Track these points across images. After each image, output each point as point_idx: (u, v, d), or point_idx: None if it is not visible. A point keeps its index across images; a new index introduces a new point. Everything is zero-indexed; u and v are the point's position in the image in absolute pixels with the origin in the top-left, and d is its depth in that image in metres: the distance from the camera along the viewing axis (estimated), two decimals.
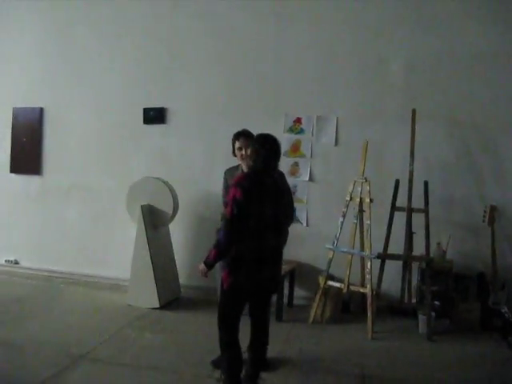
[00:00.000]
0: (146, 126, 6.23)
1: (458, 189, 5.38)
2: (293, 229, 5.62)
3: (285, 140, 5.80)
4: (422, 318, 5.03)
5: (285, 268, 4.85)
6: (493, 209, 5.33)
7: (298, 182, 5.81)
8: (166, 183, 5.63)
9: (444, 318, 5.10)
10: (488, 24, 5.30)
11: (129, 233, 5.88)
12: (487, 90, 5.35)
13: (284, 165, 5.71)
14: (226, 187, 4.13)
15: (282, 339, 4.68)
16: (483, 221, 5.33)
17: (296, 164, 5.83)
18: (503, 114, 5.32)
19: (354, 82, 5.67)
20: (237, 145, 4.06)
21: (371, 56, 5.63)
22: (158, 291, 5.45)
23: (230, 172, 4.24)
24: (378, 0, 5.61)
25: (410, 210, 5.14)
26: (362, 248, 5.32)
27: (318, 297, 5.25)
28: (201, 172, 6.08)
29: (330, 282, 5.24)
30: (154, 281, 5.46)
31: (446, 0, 5.42)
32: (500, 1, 5.27)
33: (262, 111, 5.87)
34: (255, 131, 5.76)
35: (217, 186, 5.93)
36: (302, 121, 5.80)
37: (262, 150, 3.55)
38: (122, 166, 6.36)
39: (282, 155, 5.63)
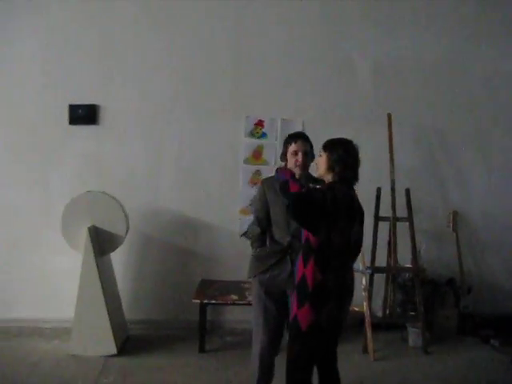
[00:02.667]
0: (72, 127, 4.99)
1: (423, 195, 5.29)
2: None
3: (245, 145, 5.18)
4: (413, 330, 4.83)
5: None
6: (455, 214, 5.41)
7: None
8: (115, 199, 4.56)
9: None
10: (454, 30, 5.32)
11: (60, 262, 4.73)
12: (451, 97, 5.37)
13: (244, 173, 5.13)
14: (264, 202, 3.43)
15: None
16: (447, 226, 5.40)
17: (258, 172, 5.17)
18: (465, 121, 5.38)
19: (321, 83, 5.24)
20: (292, 148, 3.37)
21: (339, 58, 5.27)
22: (113, 333, 4.37)
23: (268, 183, 3.48)
24: (346, 0, 5.25)
25: (394, 220, 4.91)
26: None
27: None
28: (144, 183, 5.09)
29: None
30: (107, 320, 4.36)
31: (413, 4, 5.29)
32: (466, 7, 5.34)
33: (219, 112, 5.13)
34: (211, 135, 5.14)
35: (165, 198, 5.19)
36: (265, 124, 5.18)
37: (349, 158, 2.95)
38: (41, 178, 5.02)
39: (243, 162, 5.18)
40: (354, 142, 4.61)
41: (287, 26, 5.20)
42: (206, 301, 4.52)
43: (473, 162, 5.45)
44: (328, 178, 2.99)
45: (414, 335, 4.82)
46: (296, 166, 3.34)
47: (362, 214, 3.05)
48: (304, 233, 2.96)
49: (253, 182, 5.15)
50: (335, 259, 2.90)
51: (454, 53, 5.36)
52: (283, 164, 3.46)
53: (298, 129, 5.16)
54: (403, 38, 5.31)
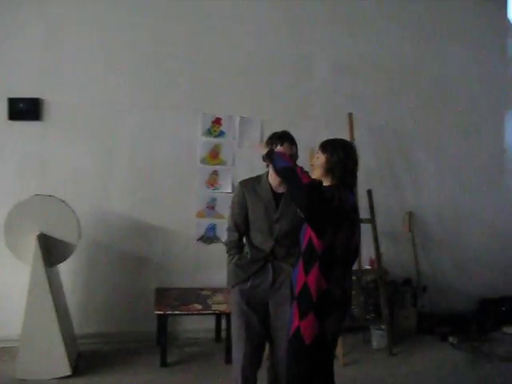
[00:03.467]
0: (12, 122, 4.45)
1: (380, 196, 5.25)
2: (212, 250, 4.89)
3: (202, 144, 4.89)
4: (377, 332, 4.78)
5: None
6: (411, 215, 5.43)
7: (218, 195, 4.90)
8: (65, 203, 4.11)
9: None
10: (411, 32, 5.35)
11: (4, 274, 4.31)
12: (406, 98, 5.39)
13: (201, 174, 4.85)
14: (243, 205, 3.19)
15: None
16: (403, 227, 5.41)
17: (215, 173, 4.90)
18: (419, 122, 5.43)
19: (280, 82, 5.07)
20: (279, 150, 3.07)
21: (299, 56, 5.13)
22: (66, 351, 3.94)
23: (248, 185, 3.23)
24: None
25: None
26: None
27: None
28: (93, 184, 4.66)
29: None
30: (60, 337, 3.90)
31: (373, 4, 5.25)
32: (423, 9, 5.36)
33: (175, 109, 4.80)
34: (166, 133, 4.84)
35: (117, 201, 4.83)
36: (222, 122, 4.91)
37: (349, 161, 2.78)
38: None
39: (199, 162, 4.89)
40: (308, 142, 4.50)
41: (247, 24, 4.99)
42: (168, 311, 4.18)
43: (426, 163, 5.52)
44: (326, 181, 2.82)
45: (378, 337, 4.77)
46: (275, 174, 3.09)
47: (359, 220, 2.92)
48: (305, 238, 2.74)
49: (210, 183, 4.88)
50: (338, 266, 2.73)
51: (409, 54, 5.41)
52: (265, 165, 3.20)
53: (257, 127, 4.99)
54: (363, 38, 5.28)
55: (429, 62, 5.45)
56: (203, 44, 4.88)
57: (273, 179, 3.16)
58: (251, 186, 3.22)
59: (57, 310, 3.93)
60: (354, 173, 2.82)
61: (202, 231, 4.90)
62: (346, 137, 4.94)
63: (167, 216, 4.84)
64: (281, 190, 3.16)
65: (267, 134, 4.83)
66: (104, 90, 4.70)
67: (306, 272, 2.68)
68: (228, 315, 4.23)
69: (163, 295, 4.55)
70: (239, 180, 3.34)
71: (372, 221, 4.82)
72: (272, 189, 3.16)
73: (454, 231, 5.58)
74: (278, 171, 2.84)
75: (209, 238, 4.91)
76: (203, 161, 4.87)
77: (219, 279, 4.80)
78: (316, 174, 2.84)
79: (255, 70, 4.99)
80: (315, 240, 2.65)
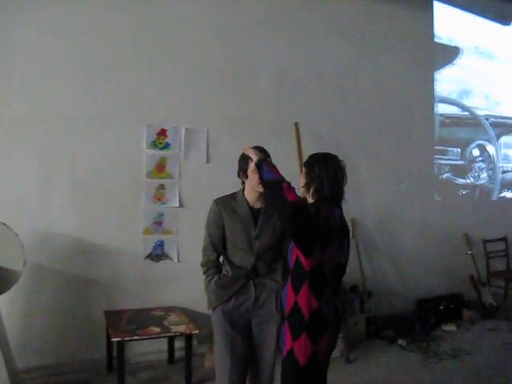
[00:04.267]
0: None
1: None
2: (161, 267, 4.69)
3: (148, 157, 4.66)
4: None
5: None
6: (353, 222, 5.51)
7: (166, 210, 4.70)
8: (6, 226, 3.72)
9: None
10: (348, 40, 5.46)
11: None
12: (345, 106, 5.50)
13: (147, 188, 4.64)
14: (220, 224, 3.06)
15: None
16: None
17: (162, 187, 4.68)
18: (357, 130, 5.56)
19: (224, 92, 4.96)
20: (253, 166, 2.95)
21: (243, 64, 5.06)
22: None
23: (224, 203, 3.10)
24: (249, 6, 5.01)
25: None
26: None
27: None
28: (32, 203, 4.27)
29: None
30: (5, 373, 3.56)
31: (313, 13, 5.30)
32: (362, 21, 5.48)
33: (118, 120, 4.53)
34: (109, 146, 4.61)
35: (58, 220, 4.51)
36: (168, 133, 4.70)
37: (327, 174, 2.70)
38: None
39: (145, 176, 4.67)
40: None
41: (191, 35, 4.82)
42: (127, 338, 3.89)
43: (366, 169, 5.64)
44: (309, 197, 2.74)
45: None
46: (259, 184, 2.96)
47: (349, 234, 2.88)
48: (292, 256, 2.66)
49: (157, 198, 4.66)
50: (328, 283, 2.67)
51: (348, 64, 5.53)
52: (240, 182, 3.11)
53: (203, 138, 4.85)
54: (304, 48, 5.31)
55: (366, 72, 5.62)
56: (146, 54, 4.66)
57: (250, 195, 3.07)
58: (228, 203, 3.11)
59: (1, 345, 3.59)
60: (337, 186, 2.78)
61: (149, 248, 4.66)
62: (293, 146, 5.02)
63: (113, 234, 4.55)
64: (258, 205, 3.07)
65: (213, 146, 4.86)
66: (43, 103, 4.33)
67: (296, 291, 2.59)
68: (188, 336, 4.10)
69: (114, 319, 4.24)
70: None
71: None
72: (249, 205, 3.07)
73: (392, 236, 5.77)
74: (264, 183, 2.74)
75: (157, 255, 4.69)
76: (149, 175, 4.64)
77: (170, 298, 4.67)
78: (300, 188, 2.78)
79: (200, 80, 4.83)
80: (303, 259, 2.56)
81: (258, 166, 2.80)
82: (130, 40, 4.63)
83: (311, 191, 2.69)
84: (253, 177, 2.97)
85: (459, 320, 5.74)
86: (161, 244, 4.72)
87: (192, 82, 4.82)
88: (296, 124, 4.99)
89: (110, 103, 4.53)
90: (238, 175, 3.11)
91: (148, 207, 4.65)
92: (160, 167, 4.69)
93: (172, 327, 4.13)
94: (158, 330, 4.08)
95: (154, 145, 4.66)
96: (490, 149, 6.92)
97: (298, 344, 2.58)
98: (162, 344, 4.55)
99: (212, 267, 3.11)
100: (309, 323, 2.56)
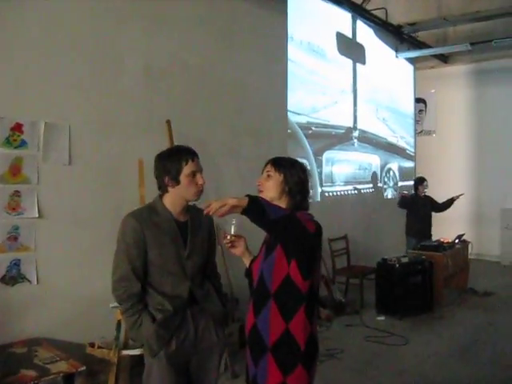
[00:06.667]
0: None
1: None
2: (18, 292, 3.93)
3: (0, 158, 3.74)
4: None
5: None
6: (217, 227, 5.18)
7: (22, 221, 3.80)
8: None
9: None
10: (215, 37, 5.16)
11: None
12: (209, 104, 5.20)
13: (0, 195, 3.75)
14: (142, 246, 2.50)
15: None
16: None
17: (17, 194, 3.77)
18: (222, 128, 5.28)
19: (88, 84, 4.24)
20: (190, 168, 2.53)
21: (108, 51, 4.38)
22: None
23: (144, 218, 2.54)
24: None
25: None
26: None
27: (111, 376, 3.72)
28: None
29: (126, 351, 3.80)
30: None
31: (179, 3, 4.86)
32: (225, 15, 5.16)
33: None
34: None
35: None
36: (24, 129, 3.80)
37: (307, 183, 2.46)
38: None
39: None
40: (119, 151, 4.44)
41: (54, 14, 4.02)
42: None
43: (228, 170, 5.44)
44: (279, 203, 2.42)
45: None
46: (197, 191, 2.57)
47: None
48: (275, 278, 2.30)
49: (11, 208, 3.75)
50: (316, 304, 2.40)
51: (214, 58, 5.27)
52: (163, 191, 2.59)
53: (65, 135, 4.11)
54: (172, 40, 4.85)
55: (229, 67, 5.42)
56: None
57: (174, 206, 2.57)
58: (148, 218, 2.56)
59: None
60: (307, 194, 2.53)
61: (2, 270, 3.73)
62: (165, 145, 4.53)
63: None
64: (182, 218, 2.62)
65: (76, 145, 4.13)
66: None
67: (287, 318, 2.28)
68: (69, 376, 3.36)
69: None
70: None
71: None
72: (174, 218, 2.59)
73: (256, 236, 5.60)
74: (272, 222, 2.18)
75: (12, 277, 3.78)
76: (1, 179, 3.72)
77: (31, 328, 3.84)
78: (270, 194, 2.43)
79: (62, 67, 4.06)
80: (299, 280, 2.27)
81: (257, 203, 2.18)
82: None
83: (291, 197, 2.41)
84: (189, 184, 2.52)
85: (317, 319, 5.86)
86: (17, 263, 3.80)
87: (53, 68, 4.02)
88: (168, 121, 4.51)
89: None
90: (161, 181, 2.56)
91: (0, 219, 3.74)
92: (15, 170, 3.78)
93: (49, 367, 3.33)
94: (32, 373, 3.21)
95: (8, 142, 3.75)
96: None
97: (292, 378, 2.25)
98: None
99: (137, 302, 2.52)
100: (305, 352, 2.27)
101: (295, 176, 2.42)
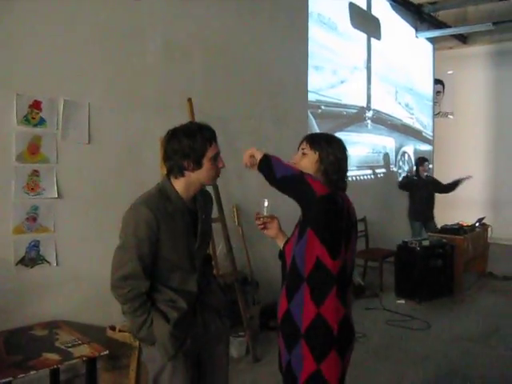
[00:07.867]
0: None
1: (210, 189, 4.80)
2: (38, 274, 3.84)
3: (18, 136, 3.62)
4: (238, 340, 4.35)
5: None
6: (237, 209, 5.12)
7: (41, 202, 3.71)
8: None
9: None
10: (235, 12, 4.99)
11: None
12: (228, 83, 5.05)
13: (18, 175, 3.70)
14: (154, 241, 2.26)
15: None
16: (234, 221, 5.06)
17: (36, 173, 3.68)
18: (244, 109, 5.14)
19: (108, 57, 4.10)
20: (213, 150, 2.35)
21: (129, 28, 4.23)
22: None
23: (160, 207, 2.27)
24: None
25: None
26: None
27: (133, 360, 3.65)
28: None
29: None
30: None
31: None
32: None
33: None
34: None
35: None
36: (42, 106, 3.69)
37: (345, 161, 2.33)
38: None
39: (15, 160, 3.74)
40: (140, 129, 4.33)
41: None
42: (21, 375, 2.85)
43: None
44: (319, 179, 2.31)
45: (237, 345, 4.35)
46: (216, 174, 2.40)
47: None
48: (306, 261, 2.20)
49: (30, 188, 3.66)
50: (349, 286, 2.30)
51: (233, 35, 5.11)
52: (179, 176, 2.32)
53: (84, 113, 4.00)
54: (192, 17, 4.71)
55: (250, 45, 5.28)
56: (16, 7, 3.58)
57: (187, 192, 2.35)
58: (162, 207, 2.29)
59: None
60: (345, 173, 2.41)
61: (22, 251, 3.65)
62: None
63: None
64: (192, 204, 2.41)
65: (96, 123, 4.02)
66: None
67: (318, 302, 2.18)
68: (91, 360, 3.27)
69: None
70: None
71: (221, 219, 4.38)
72: (187, 206, 2.38)
73: (290, 217, 5.51)
74: (278, 181, 2.22)
75: (31, 259, 3.69)
76: (20, 158, 3.61)
77: (51, 310, 3.76)
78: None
79: (81, 43, 3.92)
80: (329, 261, 2.17)
81: (262, 166, 2.26)
82: None
83: (326, 177, 2.30)
84: (212, 168, 2.34)
85: None
86: (36, 245, 3.72)
87: (73, 45, 3.88)
88: (189, 100, 4.39)
89: None
90: (176, 163, 2.30)
91: (18, 199, 3.62)
92: (34, 148, 3.68)
93: (71, 350, 3.24)
94: (55, 357, 3.10)
95: (27, 120, 3.63)
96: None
97: (326, 365, 2.17)
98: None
99: (145, 302, 2.29)
100: (338, 337, 2.19)
101: (331, 155, 2.30)
